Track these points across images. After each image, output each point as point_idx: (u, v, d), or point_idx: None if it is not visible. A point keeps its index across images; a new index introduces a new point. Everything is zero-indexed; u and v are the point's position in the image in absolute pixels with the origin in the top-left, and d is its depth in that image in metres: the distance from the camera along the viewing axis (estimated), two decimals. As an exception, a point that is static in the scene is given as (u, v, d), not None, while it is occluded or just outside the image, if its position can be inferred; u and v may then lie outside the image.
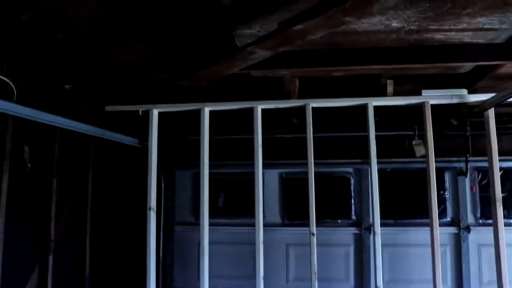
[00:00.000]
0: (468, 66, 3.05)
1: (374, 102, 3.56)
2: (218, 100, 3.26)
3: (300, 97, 3.56)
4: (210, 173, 3.12)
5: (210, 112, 3.27)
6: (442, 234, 4.04)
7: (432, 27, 2.40)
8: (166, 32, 2.58)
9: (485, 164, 3.67)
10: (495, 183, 3.43)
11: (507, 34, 2.51)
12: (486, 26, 2.36)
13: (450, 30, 2.40)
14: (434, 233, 3.38)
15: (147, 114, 3.22)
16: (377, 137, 4.11)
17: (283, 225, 4.29)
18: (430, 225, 3.34)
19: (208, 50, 2.72)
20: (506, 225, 4.01)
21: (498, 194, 3.44)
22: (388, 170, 4.11)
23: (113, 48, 2.76)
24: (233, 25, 2.30)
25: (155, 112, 3.41)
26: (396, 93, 3.66)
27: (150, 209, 3.37)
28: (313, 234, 3.44)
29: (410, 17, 2.23)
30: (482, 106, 3.32)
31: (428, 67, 2.96)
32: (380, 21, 2.27)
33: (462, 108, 3.75)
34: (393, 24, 2.33)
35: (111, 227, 4.17)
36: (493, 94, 3.11)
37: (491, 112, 3.42)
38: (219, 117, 3.94)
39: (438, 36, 2.53)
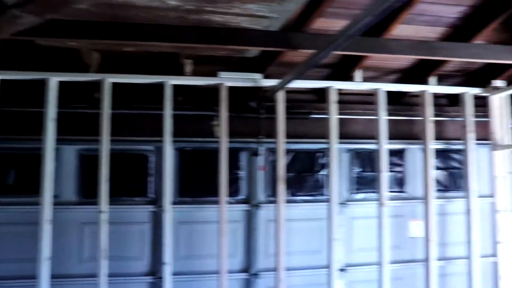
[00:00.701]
0: (253, 50, 3.42)
1: (172, 81, 3.76)
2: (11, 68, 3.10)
3: (102, 71, 3.54)
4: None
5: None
6: (236, 211, 4.46)
7: (207, 8, 2.67)
8: None
9: (287, 146, 4.16)
10: (280, 162, 3.86)
11: (279, 23, 2.89)
12: (258, 13, 2.71)
13: (226, 13, 2.72)
14: (222, 209, 3.71)
15: None
16: (180, 116, 4.31)
17: (79, 203, 4.25)
18: (219, 202, 3.66)
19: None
20: (293, 202, 4.59)
21: (283, 172, 3.88)
22: (189, 149, 4.33)
23: None
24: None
25: None
26: (197, 74, 3.88)
27: None
28: (102, 212, 3.48)
29: (186, -4, 2.44)
30: (273, 90, 3.72)
31: (214, 48, 3.26)
32: (155, -3, 2.43)
33: (260, 91, 4.12)
34: (170, 2, 2.49)
35: None
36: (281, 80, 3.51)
37: (280, 96, 3.84)
38: (13, 87, 3.72)
39: (216, 18, 2.83)
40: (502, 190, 4.60)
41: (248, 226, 4.66)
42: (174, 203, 4.44)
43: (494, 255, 4.78)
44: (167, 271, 3.85)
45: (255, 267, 4.64)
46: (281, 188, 4.03)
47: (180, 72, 3.93)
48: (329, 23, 3.54)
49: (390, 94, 4.94)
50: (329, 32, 3.44)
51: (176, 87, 4.22)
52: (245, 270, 4.65)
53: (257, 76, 3.97)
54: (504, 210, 4.57)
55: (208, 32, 3.15)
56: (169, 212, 3.81)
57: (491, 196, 4.76)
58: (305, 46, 3.17)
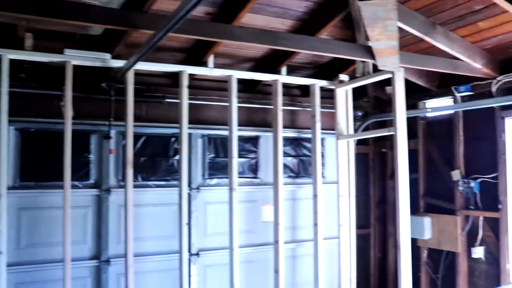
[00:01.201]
0: (97, 28, 3.39)
1: (11, 55, 3.58)
2: None
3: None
4: None
5: None
6: (85, 196, 4.38)
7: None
8: None
9: (140, 130, 4.18)
10: (128, 146, 3.89)
11: (119, 0, 2.91)
12: (92, -11, 2.68)
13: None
14: (66, 194, 3.65)
15: None
16: (23, 94, 4.12)
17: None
18: (64, 186, 3.59)
19: None
20: (146, 186, 4.63)
21: (131, 156, 3.91)
22: (33, 130, 4.18)
23: None
24: None
25: None
26: (42, 50, 3.74)
27: None
28: None
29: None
30: (122, 71, 3.72)
31: (53, 22, 3.16)
32: None
33: (111, 72, 4.10)
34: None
35: None
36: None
37: (129, 78, 3.86)
38: None
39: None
40: (344, 177, 5.10)
41: (98, 212, 4.63)
42: (14, 187, 4.28)
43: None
44: (2, 261, 3.69)
45: (106, 254, 4.62)
46: (130, 172, 4.06)
47: (21, 47, 3.76)
48: (170, 4, 3.56)
49: (246, 82, 5.20)
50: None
51: (18, 63, 4.05)
52: (96, 257, 4.61)
53: (106, 56, 3.95)
54: (345, 195, 5.08)
55: (45, 3, 3.04)
56: (4, 197, 3.65)
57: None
58: (145, 26, 3.20)
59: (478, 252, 5.00)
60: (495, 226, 4.86)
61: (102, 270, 4.59)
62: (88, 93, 4.42)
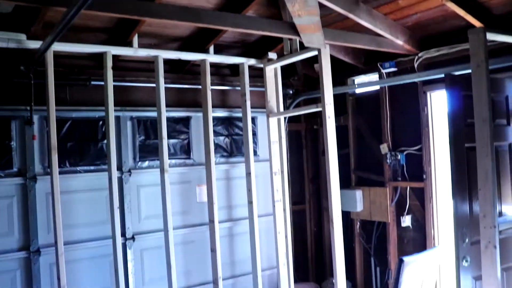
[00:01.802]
0: (6, 6, 3.20)
1: None
2: None
3: None
4: None
5: None
6: (9, 185, 4.20)
7: None
8: None
9: (65, 114, 4.03)
10: (51, 131, 3.76)
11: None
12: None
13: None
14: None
15: None
16: None
17: None
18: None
19: None
20: (74, 172, 4.49)
21: (54, 141, 3.78)
22: None
23: None
24: None
25: None
26: None
27: None
28: None
29: None
30: (39, 53, 3.56)
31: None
32: None
33: (29, 54, 3.92)
34: None
35: None
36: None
37: (48, 59, 3.70)
38: None
39: None
40: (276, 154, 5.16)
41: (24, 201, 4.44)
42: None
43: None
44: None
45: (35, 244, 4.46)
46: (54, 158, 3.91)
47: None
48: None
49: (175, 62, 5.11)
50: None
51: None
52: (25, 248, 4.45)
53: (21, 36, 3.75)
54: (278, 172, 5.15)
55: None
56: None
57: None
58: (57, 2, 3.05)
59: (407, 220, 5.22)
60: (420, 196, 5.08)
61: (32, 261, 4.43)
62: (6, 77, 4.21)
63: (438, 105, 4.96)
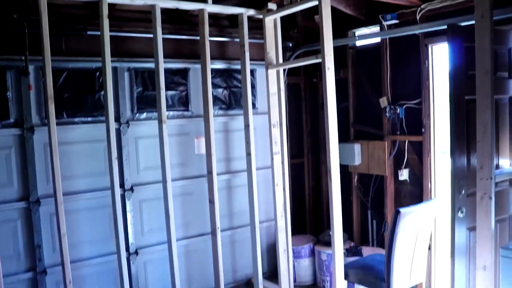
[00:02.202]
0: None
1: None
2: None
3: None
4: None
5: None
6: (6, 136, 4.21)
7: None
8: None
9: (61, 64, 3.99)
10: (47, 80, 3.73)
11: None
12: None
13: None
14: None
15: None
16: None
17: None
18: None
19: None
20: (71, 123, 4.46)
21: (50, 91, 3.75)
22: None
23: None
24: None
25: None
26: None
27: None
28: None
29: None
30: (32, 1, 3.47)
31: None
32: None
33: (26, 2, 3.84)
34: None
35: None
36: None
37: (42, 7, 3.64)
38: None
39: None
40: (275, 106, 5.13)
41: (22, 152, 4.45)
42: None
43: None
44: None
45: (35, 194, 4.49)
46: (51, 108, 3.88)
47: None
48: None
49: (172, 12, 5.01)
50: None
51: None
52: (24, 198, 4.49)
53: (10, -18, 3.65)
54: (276, 124, 5.13)
55: None
56: None
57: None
58: None
59: (404, 174, 5.25)
60: (418, 149, 5.09)
61: (32, 211, 4.48)
62: (0, 26, 4.13)
63: (439, 58, 4.89)
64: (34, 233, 4.49)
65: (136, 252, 5.08)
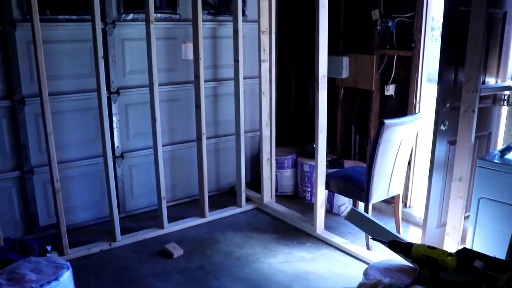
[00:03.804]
0: None
1: None
2: None
3: None
4: None
5: None
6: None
7: None
8: None
9: None
10: None
11: None
12: None
13: None
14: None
15: None
16: None
17: None
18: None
19: None
20: (54, 20, 4.37)
21: None
22: None
23: None
24: None
25: None
26: None
27: None
28: None
29: None
30: None
31: None
32: None
33: None
34: None
35: None
36: None
37: None
38: None
39: None
40: (265, 12, 5.01)
41: (4, 49, 4.32)
42: None
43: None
44: None
45: (19, 93, 4.44)
46: (34, 1, 3.76)
47: None
48: None
49: None
50: None
51: None
52: (8, 97, 4.44)
53: None
54: (265, 31, 5.06)
55: None
56: None
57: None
58: None
59: (390, 89, 5.30)
60: (407, 65, 5.10)
61: (17, 110, 4.45)
62: None
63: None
64: (20, 133, 4.49)
65: (122, 156, 5.16)
